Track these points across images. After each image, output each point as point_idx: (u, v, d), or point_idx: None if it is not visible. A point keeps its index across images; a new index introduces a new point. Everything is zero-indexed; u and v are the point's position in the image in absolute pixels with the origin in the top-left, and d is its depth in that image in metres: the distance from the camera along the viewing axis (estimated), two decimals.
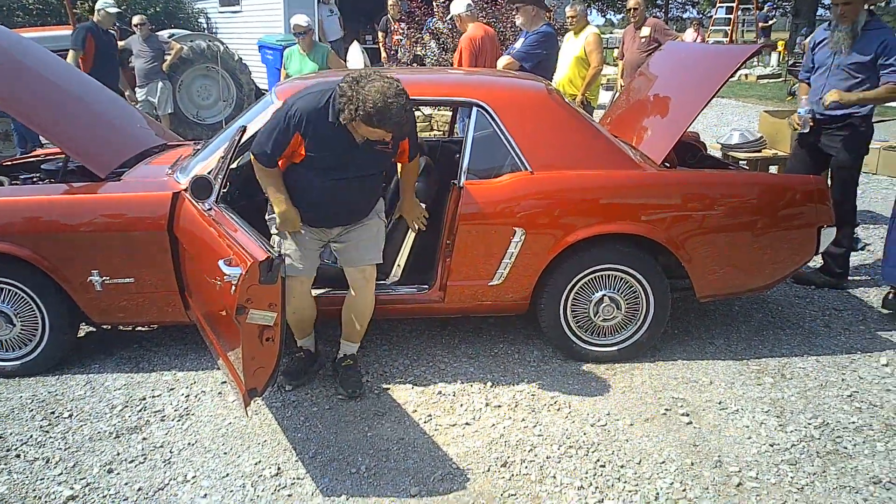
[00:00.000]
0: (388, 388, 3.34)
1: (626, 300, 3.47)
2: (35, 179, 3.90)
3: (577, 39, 6.07)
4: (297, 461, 2.82)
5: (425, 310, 3.56)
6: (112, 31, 7.42)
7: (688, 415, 3.10)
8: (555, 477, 2.72)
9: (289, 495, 2.64)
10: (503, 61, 5.72)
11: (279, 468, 2.78)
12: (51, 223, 3.31)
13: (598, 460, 2.81)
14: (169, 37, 9.34)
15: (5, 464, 2.83)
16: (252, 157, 3.10)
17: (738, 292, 3.68)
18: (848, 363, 3.56)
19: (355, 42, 9.16)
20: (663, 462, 2.79)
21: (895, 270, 3.99)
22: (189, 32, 10.69)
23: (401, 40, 9.94)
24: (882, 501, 2.59)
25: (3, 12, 14.68)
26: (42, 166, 4.04)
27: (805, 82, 4.46)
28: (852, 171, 4.31)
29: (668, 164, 3.68)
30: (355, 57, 8.51)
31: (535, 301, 3.50)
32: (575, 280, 3.44)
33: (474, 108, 3.48)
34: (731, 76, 3.71)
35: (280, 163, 3.06)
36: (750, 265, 3.53)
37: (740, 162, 5.64)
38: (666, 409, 3.14)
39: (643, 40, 6.79)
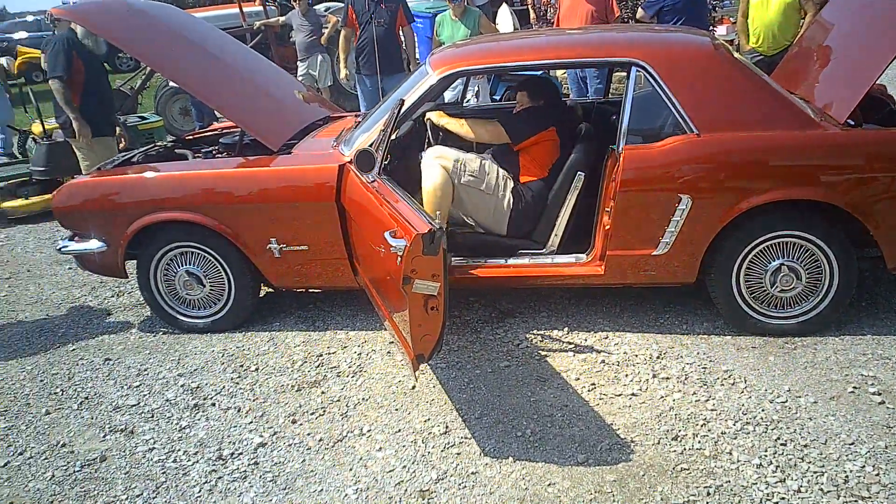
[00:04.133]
0: (549, 356, 3.35)
1: (807, 270, 3.25)
2: (215, 153, 4.21)
3: None
4: (463, 421, 2.91)
5: (584, 280, 3.50)
6: None
7: (880, 394, 2.87)
8: (731, 453, 2.62)
9: (457, 454, 2.73)
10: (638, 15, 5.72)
11: (447, 427, 2.88)
12: (231, 195, 3.56)
13: (778, 438, 2.67)
14: (325, 10, 9.65)
15: (203, 411, 3.12)
16: None
17: None
18: None
19: (504, 4, 9.05)
20: (853, 443, 2.61)
21: None
22: (343, 5, 10.99)
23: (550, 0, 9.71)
24: None
25: None
26: (220, 140, 4.33)
27: None
28: None
29: (851, 122, 3.38)
30: (505, 19, 8.41)
31: (703, 271, 3.36)
32: (749, 248, 3.26)
33: (633, 68, 3.35)
34: None
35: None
36: None
37: None
38: (854, 388, 2.93)
39: None
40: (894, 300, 3.62)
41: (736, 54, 3.61)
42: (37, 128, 6.49)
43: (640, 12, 5.59)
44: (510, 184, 3.69)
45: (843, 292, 3.26)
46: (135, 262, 3.78)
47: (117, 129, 5.67)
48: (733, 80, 3.33)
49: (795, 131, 3.21)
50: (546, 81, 3.85)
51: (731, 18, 8.28)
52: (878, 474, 2.46)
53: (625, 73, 3.43)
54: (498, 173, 3.70)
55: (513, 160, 3.76)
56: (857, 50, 3.66)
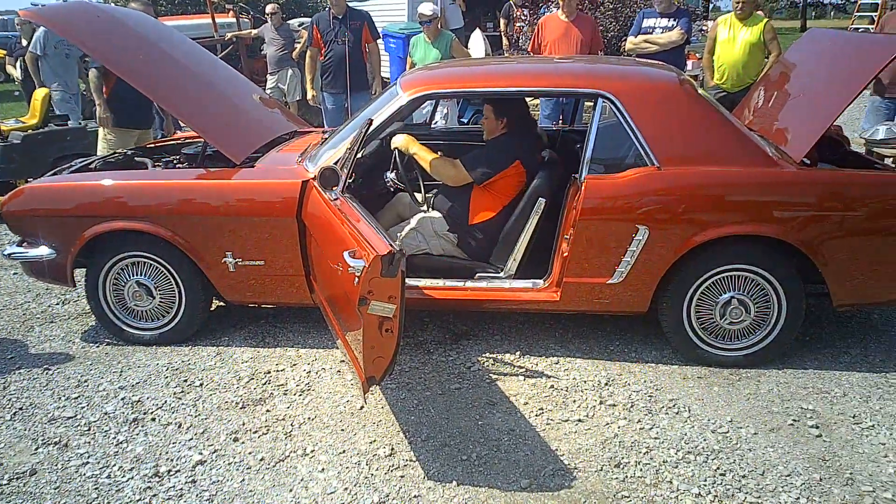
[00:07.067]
0: (499, 379, 3.34)
1: (756, 303, 3.30)
2: (176, 163, 4.15)
3: (749, 25, 5.82)
4: (409, 444, 2.88)
5: (540, 306, 3.51)
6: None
7: (817, 427, 2.92)
8: (671, 482, 2.63)
9: (401, 476, 2.70)
10: (675, 34, 6.01)
11: (393, 449, 2.85)
12: (188, 206, 3.51)
13: (717, 468, 2.69)
14: (299, 25, 9.66)
15: (142, 426, 3.04)
16: None
17: (879, 302, 3.42)
18: None
19: (477, 29, 9.14)
20: (789, 475, 2.65)
21: None
22: None
23: (523, 27, 9.84)
24: None
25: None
26: (182, 150, 4.28)
27: None
28: None
29: (807, 161, 3.46)
30: (477, 44, 8.49)
31: (656, 301, 3.39)
32: (701, 280, 3.31)
33: (599, 99, 3.40)
34: (884, 69, 3.43)
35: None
36: (893, 273, 3.26)
37: (886, 159, 5.22)
38: (794, 420, 2.97)
39: None
40: (837, 336, 3.70)
41: (700, 90, 3.67)
42: None
43: (677, 33, 5.94)
44: (454, 238, 3.74)
45: (789, 327, 3.32)
46: (83, 270, 3.69)
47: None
48: (695, 116, 3.39)
49: (752, 168, 3.27)
50: (515, 99, 3.81)
51: (697, 54, 8.48)
52: None
53: (592, 104, 3.47)
54: (435, 233, 3.75)
55: (463, 201, 3.74)
56: (817, 91, 3.75)
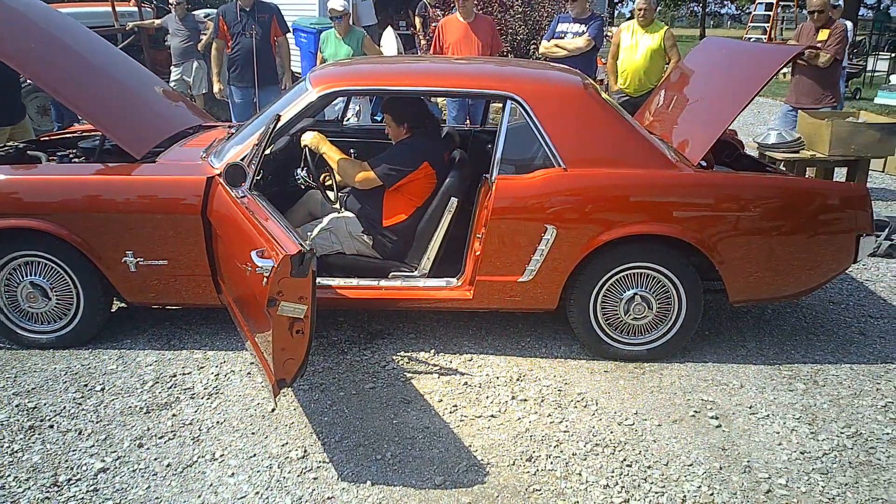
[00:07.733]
0: (414, 377, 3.35)
1: (658, 300, 3.44)
2: (72, 157, 3.95)
3: (650, 32, 6.04)
4: (323, 445, 2.85)
5: (453, 304, 3.54)
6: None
7: (717, 418, 3.08)
8: (580, 474, 2.71)
9: (314, 478, 2.67)
10: (582, 41, 6.13)
11: (306, 451, 2.81)
12: (85, 203, 3.35)
13: (624, 459, 2.80)
14: (205, 16, 9.38)
15: (39, 434, 2.89)
16: None
17: (771, 297, 3.63)
18: (883, 373, 3.49)
19: (389, 27, 9.13)
20: (691, 465, 2.78)
21: None
22: None
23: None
24: None
25: None
26: (79, 144, 4.08)
27: None
28: None
29: (704, 164, 3.63)
30: (389, 42, 8.48)
31: (564, 298, 3.48)
32: (606, 278, 3.42)
33: (508, 101, 3.46)
34: (774, 76, 3.65)
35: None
36: (784, 270, 3.47)
37: (780, 164, 5.54)
38: (695, 412, 3.12)
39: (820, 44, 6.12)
40: (734, 330, 3.90)
41: (604, 94, 3.79)
42: None
43: (585, 39, 6.11)
44: (369, 240, 3.72)
45: (689, 322, 3.47)
46: None
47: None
48: (599, 119, 3.49)
49: (653, 170, 3.40)
50: (411, 101, 3.81)
51: (602, 59, 8.72)
52: (712, 494, 2.63)
53: (501, 106, 3.52)
54: (350, 234, 3.71)
55: (376, 202, 3.72)
56: (713, 97, 3.94)
